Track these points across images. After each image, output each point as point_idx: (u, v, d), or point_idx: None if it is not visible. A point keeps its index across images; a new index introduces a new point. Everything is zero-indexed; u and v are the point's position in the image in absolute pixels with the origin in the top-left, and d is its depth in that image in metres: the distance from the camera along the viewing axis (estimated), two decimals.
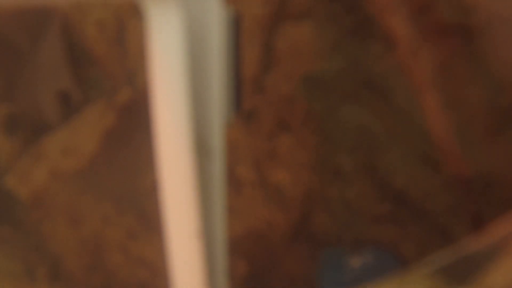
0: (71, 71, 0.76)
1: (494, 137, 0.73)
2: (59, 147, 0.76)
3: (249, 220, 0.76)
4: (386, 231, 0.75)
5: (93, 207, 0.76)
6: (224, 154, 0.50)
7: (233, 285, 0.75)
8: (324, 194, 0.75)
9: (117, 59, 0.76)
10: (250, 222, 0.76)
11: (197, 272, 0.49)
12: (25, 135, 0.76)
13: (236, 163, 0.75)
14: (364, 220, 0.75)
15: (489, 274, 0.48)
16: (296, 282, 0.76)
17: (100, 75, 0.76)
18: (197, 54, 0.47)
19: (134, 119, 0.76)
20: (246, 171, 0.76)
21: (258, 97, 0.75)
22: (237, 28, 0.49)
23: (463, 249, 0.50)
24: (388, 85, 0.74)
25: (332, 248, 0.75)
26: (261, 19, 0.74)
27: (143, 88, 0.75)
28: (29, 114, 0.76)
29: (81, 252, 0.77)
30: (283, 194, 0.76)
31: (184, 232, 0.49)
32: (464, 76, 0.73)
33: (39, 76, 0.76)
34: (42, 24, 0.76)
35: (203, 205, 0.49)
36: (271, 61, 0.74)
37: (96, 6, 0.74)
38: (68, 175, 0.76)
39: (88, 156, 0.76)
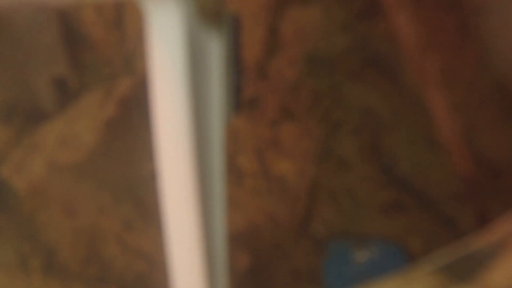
0: (67, 56, 0.76)
1: (503, 124, 0.74)
2: (56, 138, 0.76)
3: (251, 212, 0.76)
4: (391, 223, 0.75)
5: (89, 197, 0.76)
6: (224, 143, 0.49)
7: (235, 279, 0.75)
8: (329, 185, 0.75)
9: (115, 44, 0.75)
10: (252, 215, 0.76)
11: (196, 265, 0.49)
12: (20, 124, 0.76)
13: (237, 152, 0.75)
14: (369, 212, 0.75)
15: (492, 272, 0.49)
16: (300, 276, 0.76)
17: (97, 60, 0.76)
18: (196, 49, 0.48)
19: (133, 108, 0.75)
20: (248, 161, 0.75)
21: (261, 83, 0.75)
22: (237, 27, 0.50)
23: (467, 247, 0.51)
24: (394, 66, 0.74)
25: (338, 241, 0.75)
26: (266, 2, 0.74)
27: (142, 74, 0.75)
28: (24, 101, 0.76)
29: (76, 243, 0.77)
30: (287, 185, 0.75)
31: (183, 224, 0.48)
32: (471, 61, 0.73)
33: (34, 61, 0.76)
34: (38, 7, 0.75)
35: (203, 196, 0.48)
36: (276, 45, 0.74)
37: None
38: (65, 166, 0.76)
39: (86, 148, 0.76)
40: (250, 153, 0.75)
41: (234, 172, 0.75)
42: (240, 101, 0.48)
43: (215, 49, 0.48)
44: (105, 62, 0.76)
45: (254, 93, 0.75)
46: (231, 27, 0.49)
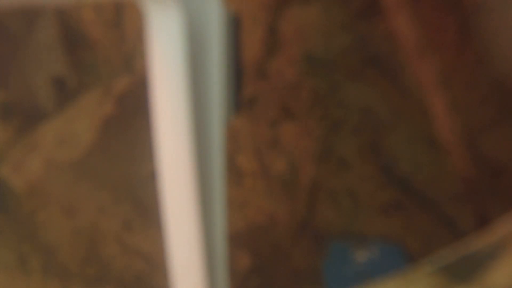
0: (66, 55, 0.76)
1: (503, 124, 0.74)
2: (55, 136, 0.76)
3: (250, 212, 0.76)
4: (391, 223, 0.75)
5: (89, 197, 0.76)
6: (224, 143, 0.49)
7: (235, 279, 0.75)
8: (329, 185, 0.75)
9: (114, 43, 0.75)
10: (251, 215, 0.76)
11: (196, 265, 0.49)
12: (19, 123, 0.76)
13: (237, 152, 0.75)
14: (369, 212, 0.75)
15: (492, 272, 0.49)
16: (300, 276, 0.76)
17: (96, 59, 0.76)
18: (196, 49, 0.48)
19: (132, 107, 0.75)
20: (247, 161, 0.75)
21: (260, 83, 0.75)
22: (237, 27, 0.50)
23: (467, 247, 0.50)
24: (394, 66, 0.74)
25: (338, 241, 0.75)
26: (266, 2, 0.74)
27: (141, 73, 0.75)
28: (23, 101, 0.76)
29: (75, 243, 0.76)
30: (286, 185, 0.75)
31: (183, 223, 0.48)
32: (471, 61, 0.73)
33: (33, 61, 0.76)
34: (38, 7, 0.75)
35: (202, 196, 0.48)
36: (275, 45, 0.74)
37: None
38: (63, 165, 0.76)
39: (84, 146, 0.76)
40: (249, 153, 0.75)
41: (234, 172, 0.75)
42: (240, 101, 0.48)
43: (215, 49, 0.48)
44: (104, 62, 0.76)
45: (254, 93, 0.75)
46: (231, 27, 0.49)
